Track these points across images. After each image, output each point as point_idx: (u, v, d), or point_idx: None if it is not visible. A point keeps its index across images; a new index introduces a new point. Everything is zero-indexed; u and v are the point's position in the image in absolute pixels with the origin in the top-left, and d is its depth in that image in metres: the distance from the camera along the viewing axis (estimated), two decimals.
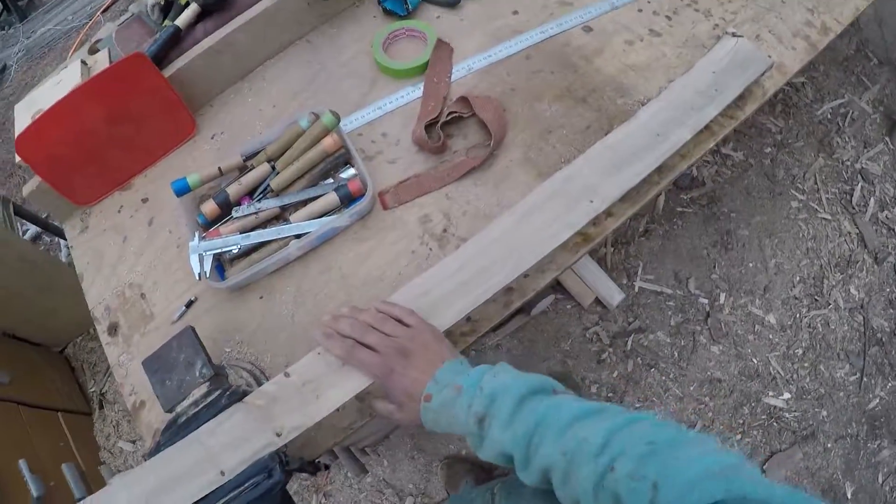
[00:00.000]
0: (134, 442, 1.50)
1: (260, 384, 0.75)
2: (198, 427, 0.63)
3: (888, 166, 1.61)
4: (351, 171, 0.85)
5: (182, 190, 0.83)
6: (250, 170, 0.86)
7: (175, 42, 0.91)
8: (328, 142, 0.83)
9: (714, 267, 1.48)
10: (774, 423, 1.33)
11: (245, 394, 0.66)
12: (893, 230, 1.53)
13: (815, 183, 1.60)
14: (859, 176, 1.60)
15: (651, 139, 0.81)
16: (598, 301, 1.44)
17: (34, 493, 1.01)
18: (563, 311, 1.47)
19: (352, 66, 0.96)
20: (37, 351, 1.50)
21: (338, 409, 0.66)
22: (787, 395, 1.35)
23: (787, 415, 1.34)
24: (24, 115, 0.89)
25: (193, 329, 0.70)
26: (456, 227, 0.82)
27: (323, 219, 0.82)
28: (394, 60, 0.93)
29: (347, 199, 0.82)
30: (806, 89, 1.75)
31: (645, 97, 0.89)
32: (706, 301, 1.45)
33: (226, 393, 0.65)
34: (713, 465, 0.40)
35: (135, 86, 0.86)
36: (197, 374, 0.67)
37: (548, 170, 0.84)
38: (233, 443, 0.62)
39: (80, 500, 0.64)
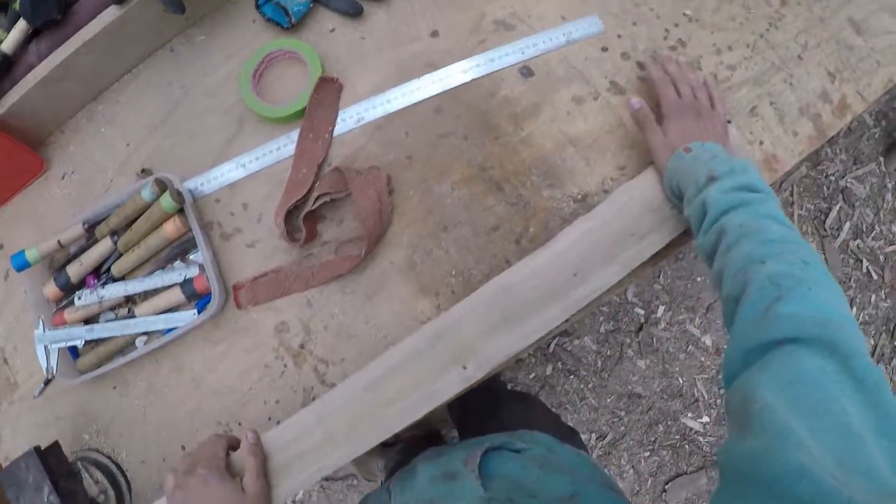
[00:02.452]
0: None
1: (117, 486, 0.74)
2: None
3: (874, 190, 1.30)
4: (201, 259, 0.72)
5: (22, 266, 0.74)
6: (93, 241, 0.74)
7: (5, 71, 0.73)
8: (170, 228, 0.70)
9: (659, 275, 1.30)
10: (686, 445, 1.29)
11: None
12: (860, 261, 1.28)
13: (791, 195, 1.31)
14: (840, 195, 1.30)
15: (564, 279, 0.62)
16: None
17: None
18: None
19: (219, 95, 0.76)
20: None
21: None
22: (705, 419, 1.29)
23: (701, 438, 1.29)
24: None
25: (37, 449, 0.68)
26: (315, 343, 0.71)
27: (170, 316, 0.72)
28: (263, 102, 0.72)
29: (195, 296, 0.72)
30: None
31: (580, 192, 0.68)
32: (642, 312, 1.31)
33: None
34: (831, 310, 0.43)
35: None
36: (45, 499, 0.67)
37: (432, 285, 0.69)
38: None
39: None
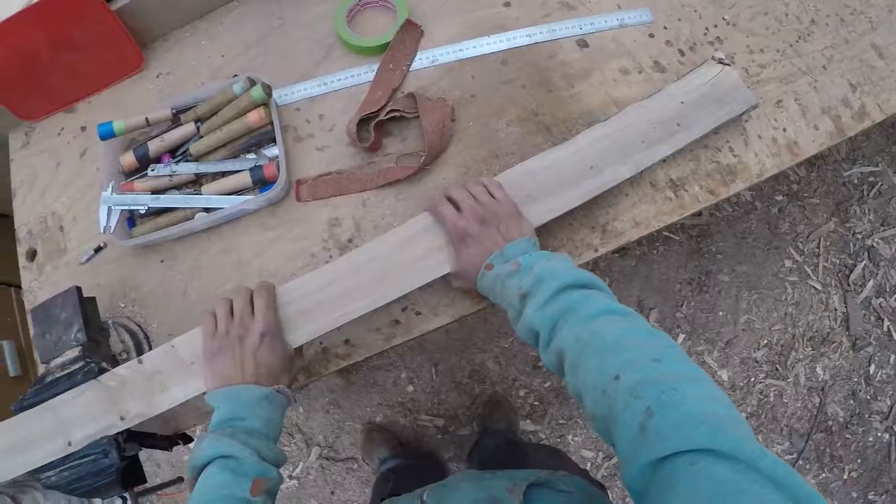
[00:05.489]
0: None
1: (140, 350, 0.76)
2: (57, 393, 0.66)
3: None
4: (275, 151, 0.80)
5: (106, 134, 0.81)
6: (178, 125, 0.82)
7: None
8: (253, 117, 0.78)
9: (682, 305, 1.36)
10: None
11: (102, 371, 0.67)
12: (882, 320, 1.35)
13: (818, 247, 1.41)
14: (866, 253, 1.40)
15: (582, 171, 0.70)
16: None
17: None
18: None
19: (312, 26, 0.87)
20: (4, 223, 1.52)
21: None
22: None
23: None
24: None
25: (79, 290, 0.71)
26: (362, 239, 0.77)
27: (232, 197, 0.78)
28: (354, 34, 0.84)
29: (261, 182, 0.78)
30: (839, 144, 1.50)
31: None
32: None
33: (83, 369, 0.66)
34: (708, 409, 0.39)
35: (80, 14, 0.81)
36: (72, 336, 0.69)
37: None
38: (83, 417, 0.65)
39: (13, 377, 0.68)
